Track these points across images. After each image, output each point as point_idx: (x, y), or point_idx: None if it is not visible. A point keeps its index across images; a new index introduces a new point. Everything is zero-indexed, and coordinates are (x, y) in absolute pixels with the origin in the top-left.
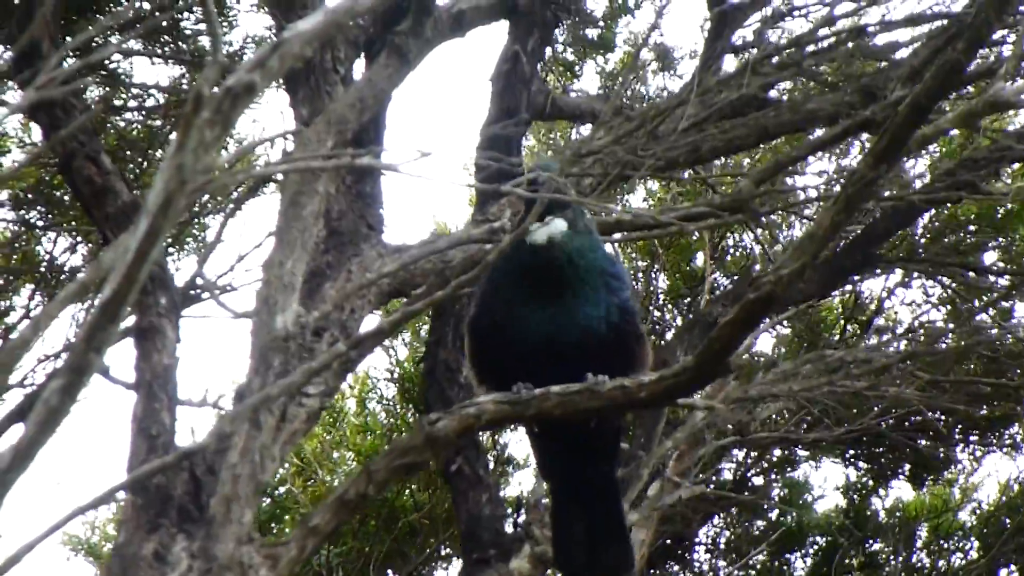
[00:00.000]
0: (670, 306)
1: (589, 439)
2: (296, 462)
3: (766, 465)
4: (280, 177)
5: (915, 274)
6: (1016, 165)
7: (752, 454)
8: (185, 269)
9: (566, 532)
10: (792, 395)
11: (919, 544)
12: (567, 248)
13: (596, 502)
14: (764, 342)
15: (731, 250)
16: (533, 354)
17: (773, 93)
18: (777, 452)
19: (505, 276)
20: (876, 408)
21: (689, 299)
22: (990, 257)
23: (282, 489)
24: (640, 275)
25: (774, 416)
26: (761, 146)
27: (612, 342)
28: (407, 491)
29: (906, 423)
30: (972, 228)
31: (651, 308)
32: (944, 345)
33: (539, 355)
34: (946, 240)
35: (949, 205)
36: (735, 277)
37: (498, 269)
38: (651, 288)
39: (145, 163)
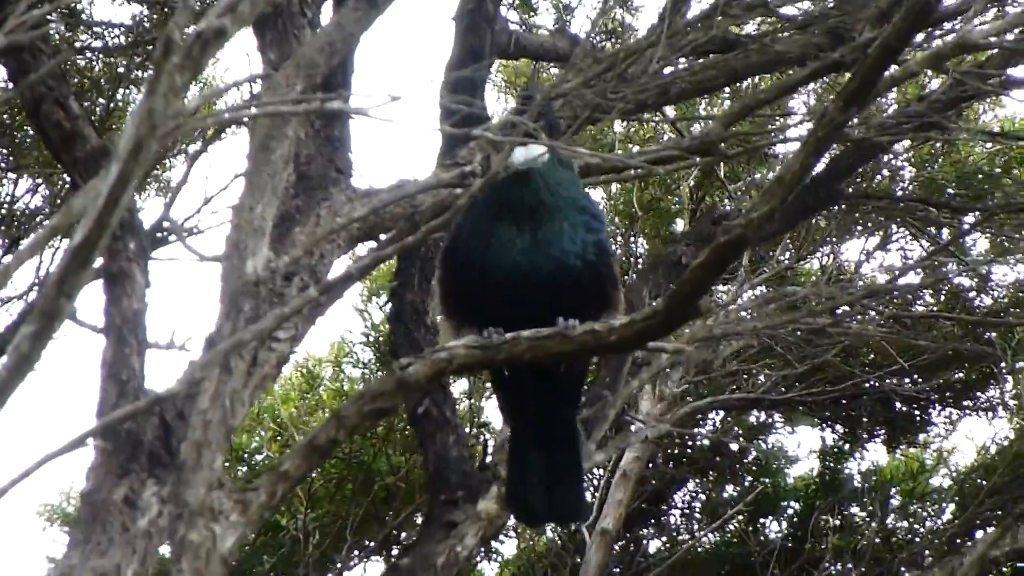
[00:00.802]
0: (638, 245)
1: (555, 382)
2: (272, 427)
3: (740, 431)
4: (248, 120)
5: (893, 236)
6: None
7: (728, 417)
8: (151, 210)
9: (523, 475)
10: (755, 331)
11: (894, 507)
12: (548, 177)
13: (556, 446)
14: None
15: (715, 193)
16: (506, 285)
17: (742, 34)
18: (753, 417)
19: (482, 204)
20: (839, 347)
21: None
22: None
23: (259, 456)
24: (619, 238)
25: (745, 376)
26: (732, 88)
27: (587, 280)
28: (384, 455)
29: (880, 384)
30: (951, 191)
31: (631, 273)
32: (906, 286)
33: (512, 287)
34: (923, 177)
35: (929, 168)
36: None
37: (476, 201)
38: (631, 252)
39: (109, 104)
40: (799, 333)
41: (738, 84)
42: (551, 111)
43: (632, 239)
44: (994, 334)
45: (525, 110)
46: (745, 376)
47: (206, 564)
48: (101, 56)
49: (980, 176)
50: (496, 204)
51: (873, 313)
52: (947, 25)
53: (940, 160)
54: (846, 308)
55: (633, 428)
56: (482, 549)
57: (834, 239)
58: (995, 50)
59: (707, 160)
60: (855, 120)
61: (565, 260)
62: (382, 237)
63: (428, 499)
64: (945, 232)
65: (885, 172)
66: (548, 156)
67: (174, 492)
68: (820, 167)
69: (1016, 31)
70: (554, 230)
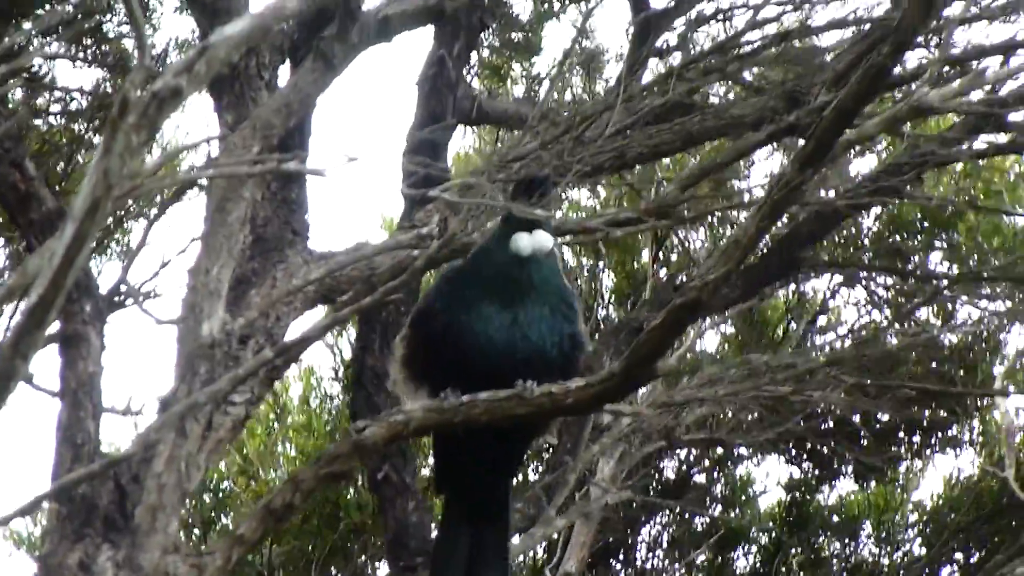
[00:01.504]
0: (615, 305)
1: (499, 451)
2: (238, 460)
3: (708, 463)
4: (205, 182)
5: (859, 273)
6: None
7: (692, 453)
8: (109, 274)
9: (449, 550)
10: (718, 399)
11: (862, 542)
12: (543, 266)
13: (488, 519)
14: (709, 341)
15: (676, 248)
16: (479, 359)
17: (698, 98)
18: (720, 449)
19: (468, 274)
20: (804, 413)
21: (633, 298)
22: (933, 262)
23: (224, 484)
24: (585, 273)
25: (702, 421)
26: (688, 151)
27: (557, 369)
28: (351, 490)
29: (846, 426)
30: (913, 231)
31: (596, 307)
32: (884, 346)
33: (485, 362)
34: (890, 240)
35: (892, 208)
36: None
37: (458, 267)
38: (595, 287)
39: (69, 168)
40: (761, 399)
41: (695, 148)
42: (551, 190)
43: (598, 273)
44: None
45: (532, 191)
46: (708, 425)
47: None
48: (61, 120)
49: (945, 212)
50: (484, 277)
51: (833, 377)
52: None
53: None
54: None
55: (593, 494)
56: None
57: (780, 280)
58: (958, 116)
59: (664, 223)
60: (812, 184)
61: (542, 346)
62: (339, 299)
63: (388, 564)
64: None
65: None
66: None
67: (129, 556)
68: (782, 234)
69: (971, 95)
70: (536, 315)
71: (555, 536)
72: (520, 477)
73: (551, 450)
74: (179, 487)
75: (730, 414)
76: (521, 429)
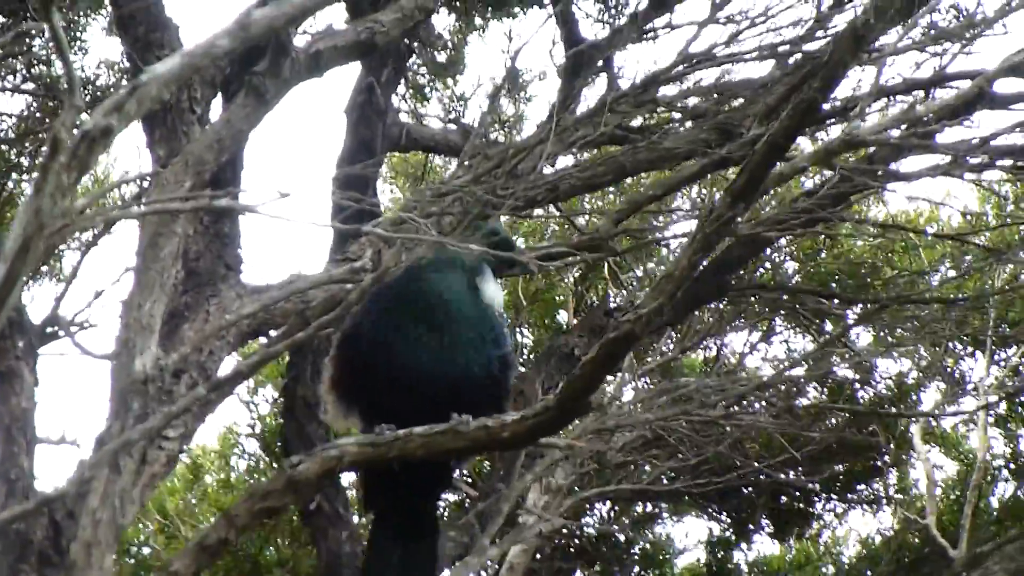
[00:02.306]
0: (534, 360)
1: (425, 478)
2: (159, 519)
3: (628, 521)
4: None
5: (777, 329)
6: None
7: (615, 509)
8: (42, 300)
9: (379, 568)
10: (648, 423)
11: None
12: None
13: (416, 538)
14: (628, 395)
15: (594, 304)
16: (407, 382)
17: (631, 132)
18: (639, 508)
19: (392, 296)
20: (731, 439)
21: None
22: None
23: (146, 549)
24: (505, 329)
25: (634, 467)
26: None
27: (487, 391)
28: (271, 546)
29: (767, 477)
30: (834, 282)
31: (518, 363)
32: (803, 401)
33: (414, 384)
34: (808, 269)
35: (814, 262)
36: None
37: (385, 290)
38: (516, 343)
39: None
40: (691, 425)
41: (626, 180)
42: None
43: (518, 329)
44: (876, 427)
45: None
46: (632, 467)
47: None
48: None
49: (863, 268)
50: (409, 300)
51: (763, 405)
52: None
53: (824, 253)
54: (737, 401)
55: (523, 521)
56: None
57: (716, 332)
58: (879, 145)
59: (597, 256)
60: (743, 215)
61: (470, 369)
62: (272, 333)
63: None
64: (829, 325)
65: (768, 265)
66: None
67: None
68: (710, 260)
69: (902, 127)
70: (465, 338)
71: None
72: (455, 505)
73: (484, 478)
74: (114, 522)
75: (655, 461)
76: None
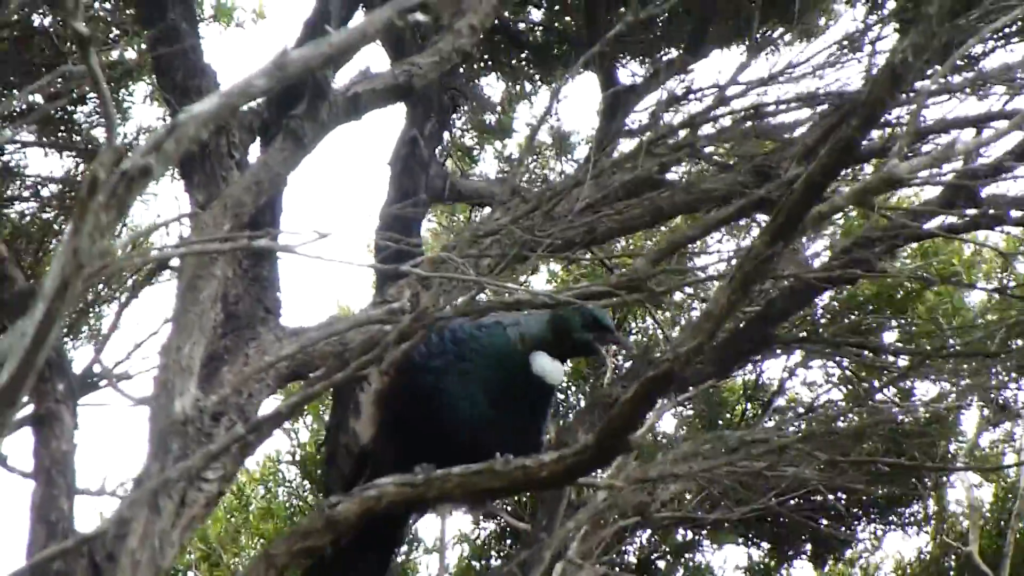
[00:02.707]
0: (572, 387)
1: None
2: (200, 547)
3: (668, 549)
4: (177, 262)
5: (814, 354)
6: (913, 244)
7: (654, 537)
8: (82, 357)
9: None
10: (693, 475)
11: None
12: (549, 392)
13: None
14: (667, 422)
15: (633, 331)
16: (454, 432)
17: (669, 174)
18: (680, 535)
19: (474, 352)
20: (776, 489)
21: (592, 379)
22: (889, 337)
23: (189, 574)
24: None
25: (674, 498)
26: (658, 226)
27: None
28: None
29: (804, 502)
30: (871, 308)
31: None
32: (843, 424)
33: (457, 437)
34: (846, 320)
35: (848, 286)
36: (635, 357)
37: (467, 333)
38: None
39: (40, 253)
40: (734, 476)
41: (665, 222)
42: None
43: None
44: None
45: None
46: (667, 503)
47: None
48: (33, 207)
49: (900, 294)
50: (486, 367)
51: (807, 452)
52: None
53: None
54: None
55: (568, 571)
56: None
57: (755, 357)
58: (926, 187)
59: (635, 297)
60: (784, 260)
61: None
62: (311, 375)
63: None
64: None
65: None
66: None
67: None
68: (754, 311)
69: (942, 167)
70: (530, 419)
71: None
72: (497, 555)
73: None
74: (153, 563)
75: (697, 493)
76: None
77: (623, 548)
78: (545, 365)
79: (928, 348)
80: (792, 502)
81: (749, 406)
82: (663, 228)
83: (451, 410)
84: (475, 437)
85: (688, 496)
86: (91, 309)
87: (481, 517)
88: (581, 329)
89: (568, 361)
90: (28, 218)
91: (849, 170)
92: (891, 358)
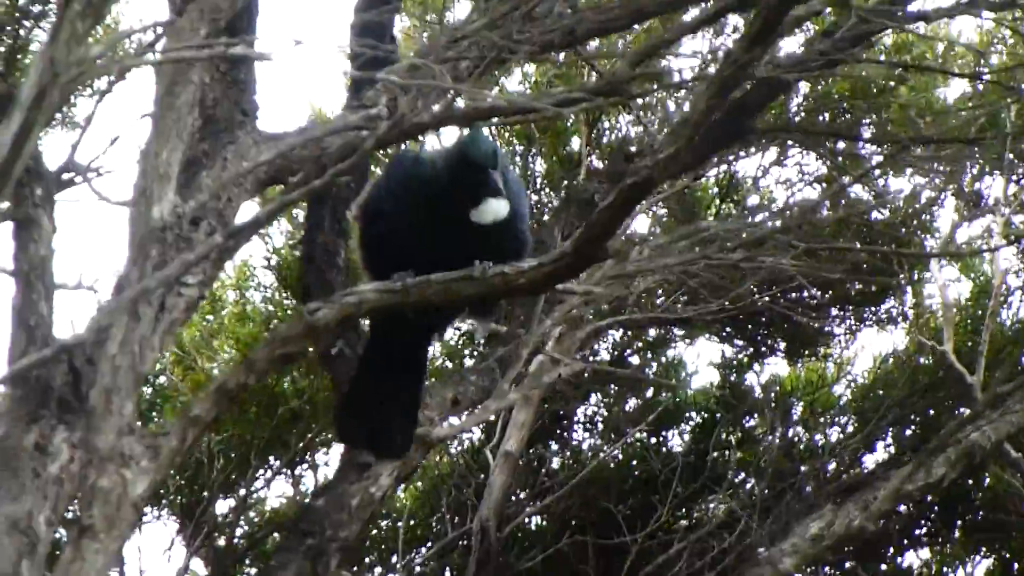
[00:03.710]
0: (548, 190)
1: (431, 323)
2: (175, 351)
3: (641, 345)
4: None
5: (790, 152)
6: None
7: (628, 334)
8: (57, 149)
9: (358, 402)
10: (668, 269)
11: (795, 419)
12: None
13: (406, 378)
14: (640, 223)
15: (607, 133)
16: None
17: None
18: (653, 332)
19: (421, 192)
20: (752, 281)
21: (566, 182)
22: (865, 133)
23: (162, 378)
24: (517, 159)
25: (649, 292)
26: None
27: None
28: (287, 378)
29: (781, 298)
30: (846, 106)
31: (529, 192)
32: (818, 215)
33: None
34: (821, 117)
35: (824, 82)
36: (613, 158)
37: (411, 174)
38: (528, 172)
39: (15, 43)
40: (711, 269)
41: (644, 22)
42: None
43: (530, 160)
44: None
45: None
46: (644, 296)
47: (117, 509)
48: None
49: (875, 89)
50: (434, 207)
51: (786, 243)
52: None
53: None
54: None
55: (542, 363)
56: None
57: (730, 157)
58: None
59: (614, 100)
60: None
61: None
62: (290, 180)
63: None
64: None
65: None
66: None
67: (84, 438)
68: (730, 103)
69: None
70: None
71: (492, 417)
72: (474, 353)
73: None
74: (133, 369)
75: (672, 287)
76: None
77: (596, 346)
78: (479, 214)
79: (902, 138)
80: (768, 297)
81: (723, 205)
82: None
83: (413, 249)
84: (439, 249)
85: (662, 292)
86: (66, 101)
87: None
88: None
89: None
90: (3, 8)
91: None
92: (866, 148)
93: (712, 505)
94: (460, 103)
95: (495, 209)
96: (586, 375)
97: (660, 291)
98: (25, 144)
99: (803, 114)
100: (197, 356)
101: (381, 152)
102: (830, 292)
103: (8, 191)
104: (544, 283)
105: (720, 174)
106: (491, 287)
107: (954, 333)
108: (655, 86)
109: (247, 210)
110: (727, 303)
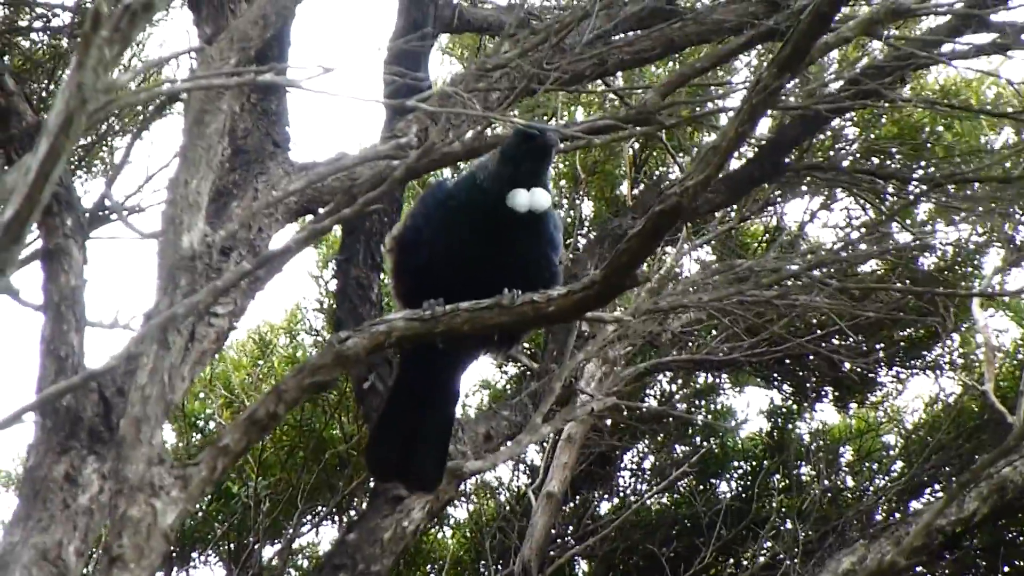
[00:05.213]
0: (594, 233)
1: (462, 352)
2: (224, 394)
3: (689, 392)
4: (185, 96)
5: (838, 197)
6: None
7: (678, 381)
8: (93, 192)
9: (389, 435)
10: (702, 305)
11: (843, 466)
12: (538, 219)
13: (437, 410)
14: (688, 266)
15: (656, 176)
16: (464, 285)
17: (679, 4)
18: (701, 379)
19: (458, 205)
20: (787, 319)
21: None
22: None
23: (212, 423)
24: (564, 201)
25: (683, 335)
26: (669, 58)
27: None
28: (336, 422)
29: (824, 343)
30: (892, 149)
31: (575, 234)
32: (852, 252)
33: (470, 274)
34: (867, 163)
35: (872, 127)
36: (646, 190)
37: (447, 192)
38: (574, 215)
39: (51, 84)
40: (744, 306)
41: (675, 54)
42: (554, 140)
43: (577, 201)
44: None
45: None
46: (691, 342)
47: (147, 539)
48: (44, 37)
49: (922, 133)
50: (473, 213)
51: (818, 280)
52: None
53: (883, 119)
54: (792, 280)
55: (579, 400)
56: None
57: (778, 200)
58: (938, 17)
59: (645, 130)
60: (794, 90)
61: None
62: (320, 210)
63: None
64: (889, 190)
65: (826, 138)
66: (549, 205)
67: (114, 468)
68: (766, 140)
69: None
70: (523, 247)
71: (540, 451)
72: (512, 381)
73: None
74: (163, 398)
75: (706, 322)
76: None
77: (644, 393)
78: (517, 196)
79: (938, 176)
80: (810, 340)
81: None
82: (673, 60)
83: (445, 261)
84: (473, 278)
85: (697, 332)
86: (103, 143)
87: (502, 363)
88: (515, 144)
89: (549, 186)
90: (39, 49)
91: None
92: (912, 193)
93: (755, 548)
94: (489, 132)
95: (537, 200)
96: (634, 417)
97: (696, 331)
98: (53, 169)
99: (850, 158)
100: (246, 399)
101: (414, 182)
102: (875, 337)
103: (36, 216)
104: (573, 311)
105: (767, 217)
106: (520, 315)
107: (998, 376)
108: (684, 116)
109: (278, 240)
110: (767, 344)
